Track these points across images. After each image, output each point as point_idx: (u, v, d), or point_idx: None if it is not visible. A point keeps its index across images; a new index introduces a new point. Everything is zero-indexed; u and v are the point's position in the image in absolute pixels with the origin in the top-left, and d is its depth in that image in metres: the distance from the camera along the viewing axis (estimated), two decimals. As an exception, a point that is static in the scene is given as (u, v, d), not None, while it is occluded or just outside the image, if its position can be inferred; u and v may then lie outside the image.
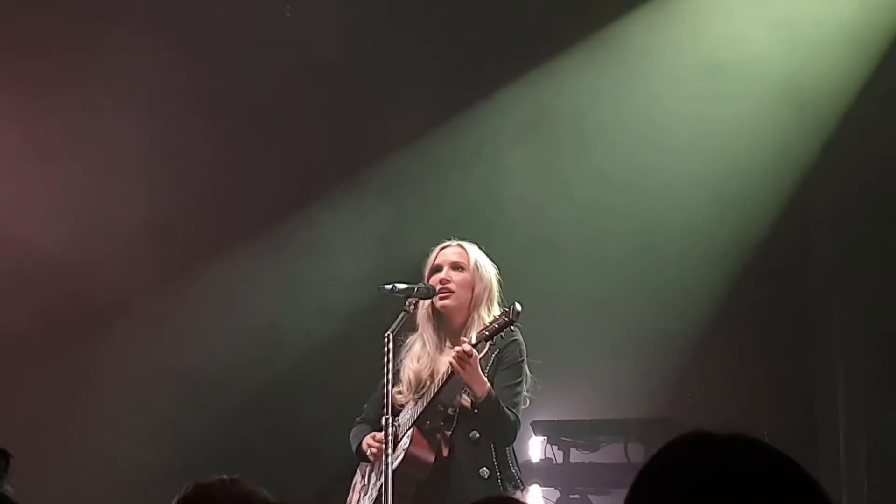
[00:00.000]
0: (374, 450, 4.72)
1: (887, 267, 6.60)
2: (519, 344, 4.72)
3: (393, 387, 4.63)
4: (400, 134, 6.90)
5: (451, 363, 4.50)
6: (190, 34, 6.71)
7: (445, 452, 4.66)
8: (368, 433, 4.81)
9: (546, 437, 6.79)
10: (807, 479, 1.64)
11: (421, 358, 4.82)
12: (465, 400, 4.64)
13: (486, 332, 4.49)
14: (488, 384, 4.56)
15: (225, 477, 2.20)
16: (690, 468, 1.65)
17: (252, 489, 2.19)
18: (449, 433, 4.66)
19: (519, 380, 4.70)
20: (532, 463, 6.75)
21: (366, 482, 4.86)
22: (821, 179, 6.78)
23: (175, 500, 2.22)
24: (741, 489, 1.60)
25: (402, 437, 4.68)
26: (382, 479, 4.42)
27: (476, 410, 4.60)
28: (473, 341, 4.50)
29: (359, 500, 4.85)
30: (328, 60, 6.85)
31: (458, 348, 4.51)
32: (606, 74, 6.80)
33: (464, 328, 4.77)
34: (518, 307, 4.43)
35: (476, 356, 4.50)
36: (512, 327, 4.54)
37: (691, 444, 1.68)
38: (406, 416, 4.74)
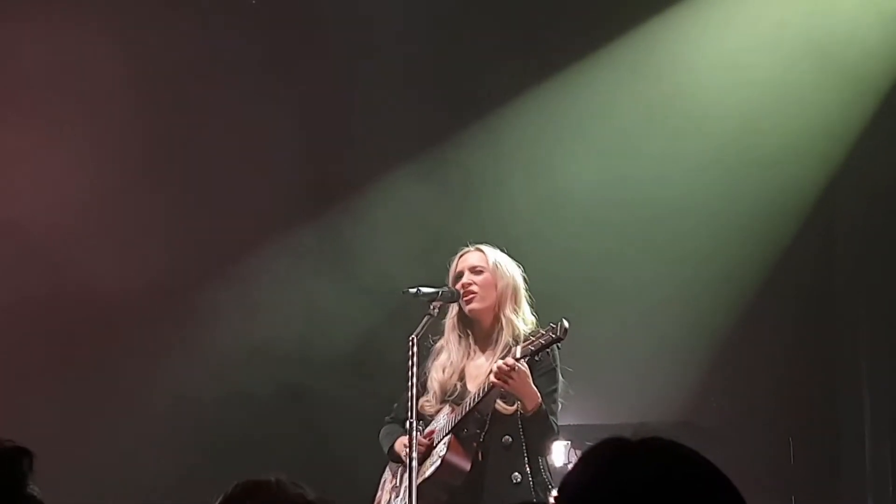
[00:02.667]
0: None
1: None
2: (552, 349, 4.68)
3: (421, 394, 4.64)
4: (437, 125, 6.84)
5: (493, 382, 4.49)
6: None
7: (479, 458, 4.65)
8: (399, 433, 4.80)
9: (570, 442, 6.77)
10: (721, 480, 1.66)
11: (446, 368, 4.82)
12: (500, 405, 4.64)
13: (532, 348, 4.48)
14: (539, 397, 4.55)
15: (272, 478, 2.20)
16: (611, 476, 1.67)
17: (297, 490, 2.19)
18: (482, 438, 4.66)
19: (555, 386, 4.70)
20: (556, 467, 6.70)
21: (397, 482, 4.86)
22: (846, 185, 6.75)
23: (220, 499, 2.21)
24: (659, 493, 1.63)
25: (438, 443, 4.68)
26: (413, 484, 4.42)
27: (523, 422, 4.60)
28: (518, 355, 4.49)
29: (389, 501, 4.86)
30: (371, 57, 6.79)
31: (500, 363, 4.49)
32: (637, 68, 6.75)
33: (494, 331, 4.78)
34: (566, 324, 4.41)
35: (523, 370, 4.49)
36: (542, 330, 4.54)
37: (609, 453, 1.70)
38: (441, 423, 4.73)
